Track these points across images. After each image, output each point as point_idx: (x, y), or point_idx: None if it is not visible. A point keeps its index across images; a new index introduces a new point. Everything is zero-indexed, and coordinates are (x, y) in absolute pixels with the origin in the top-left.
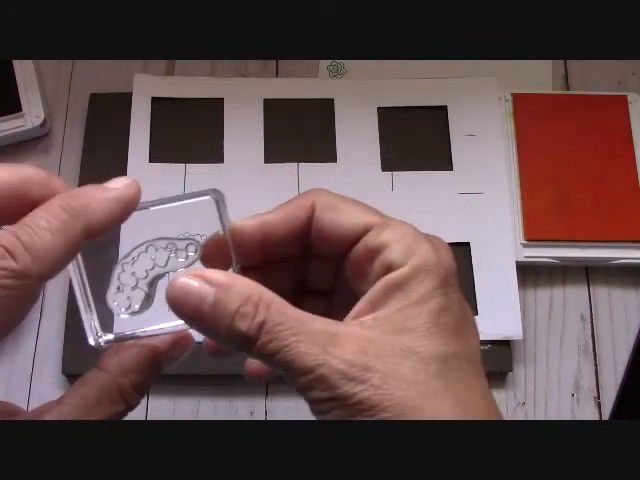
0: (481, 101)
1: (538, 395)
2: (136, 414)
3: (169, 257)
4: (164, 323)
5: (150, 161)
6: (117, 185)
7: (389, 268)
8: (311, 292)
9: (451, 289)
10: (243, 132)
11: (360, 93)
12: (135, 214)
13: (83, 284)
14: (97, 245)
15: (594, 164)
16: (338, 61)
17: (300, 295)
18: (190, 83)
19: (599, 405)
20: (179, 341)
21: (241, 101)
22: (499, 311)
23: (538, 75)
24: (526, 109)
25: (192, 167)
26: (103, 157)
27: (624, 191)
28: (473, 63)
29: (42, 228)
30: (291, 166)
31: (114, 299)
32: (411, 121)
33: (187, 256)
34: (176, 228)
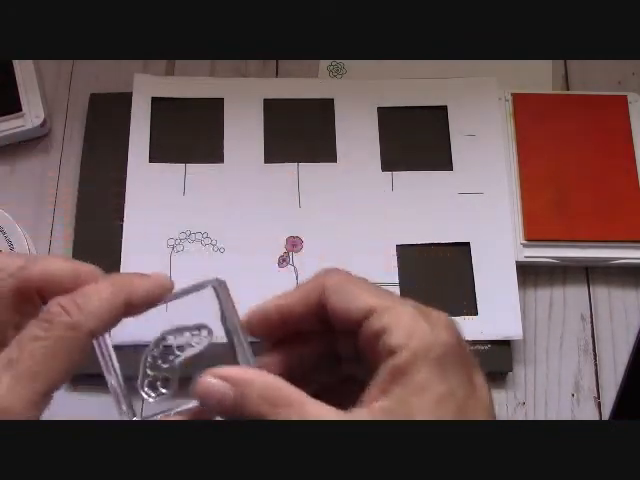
0: (481, 101)
1: (538, 395)
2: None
3: (187, 343)
4: (186, 405)
5: (150, 161)
6: (155, 274)
7: (391, 352)
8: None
9: (452, 369)
10: (243, 132)
11: (360, 93)
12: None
13: (117, 376)
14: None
15: (594, 164)
16: (338, 61)
17: (334, 361)
18: (190, 83)
19: (599, 405)
20: (199, 414)
21: (241, 101)
22: (499, 311)
23: (538, 75)
24: (526, 109)
25: (192, 167)
26: (103, 157)
27: (624, 191)
28: (473, 63)
29: (93, 295)
30: (291, 166)
31: (143, 387)
32: (411, 121)
33: (201, 340)
34: (189, 316)
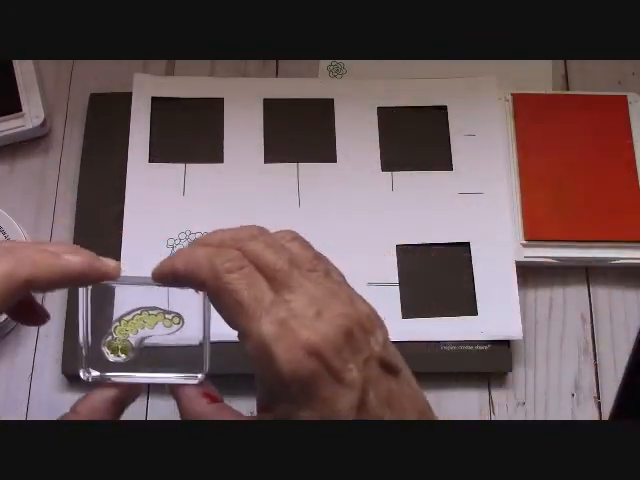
0: (481, 101)
1: (538, 395)
2: (136, 414)
3: (157, 323)
4: (138, 374)
5: (150, 161)
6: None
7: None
8: None
9: (302, 400)
10: (243, 132)
11: (360, 93)
12: (142, 287)
13: (87, 327)
14: (103, 300)
15: (594, 164)
16: (338, 61)
17: None
18: (190, 83)
19: (599, 405)
20: (133, 387)
21: (241, 101)
22: (499, 311)
23: (538, 75)
24: (526, 109)
25: (192, 167)
26: (103, 157)
27: (624, 191)
28: (473, 63)
29: None
30: (291, 166)
31: (107, 345)
32: (411, 121)
33: (172, 326)
34: (169, 302)
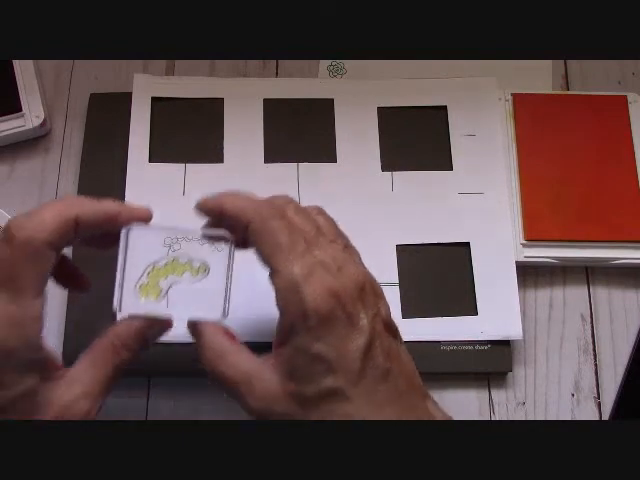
0: (481, 101)
1: (538, 395)
2: (136, 414)
3: (185, 271)
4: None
5: (150, 161)
6: (110, 202)
7: (281, 312)
8: None
9: (324, 334)
10: (243, 132)
11: (360, 93)
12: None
13: (123, 269)
14: (139, 246)
15: (594, 164)
16: (338, 61)
17: None
18: (190, 83)
19: (599, 405)
20: (157, 323)
21: (241, 101)
22: (499, 311)
23: (538, 75)
24: (526, 109)
25: (192, 167)
26: (103, 157)
27: (624, 191)
28: (473, 63)
29: (45, 211)
30: (291, 166)
31: (139, 287)
32: (411, 121)
33: (198, 274)
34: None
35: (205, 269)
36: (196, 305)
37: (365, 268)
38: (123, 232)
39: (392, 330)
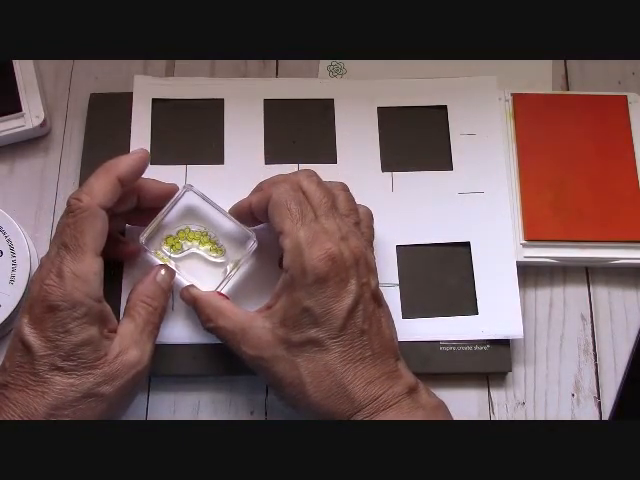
0: (481, 101)
1: (538, 395)
2: (136, 414)
3: (207, 245)
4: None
5: (151, 163)
6: (134, 151)
7: (285, 269)
8: None
9: (318, 292)
10: (243, 133)
11: (360, 93)
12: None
13: (163, 218)
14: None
15: (594, 164)
16: (338, 61)
17: None
18: (190, 84)
19: (599, 405)
20: (162, 267)
21: (241, 101)
22: (499, 311)
23: (538, 75)
24: (526, 109)
25: (193, 168)
26: (103, 157)
27: (624, 191)
28: (473, 63)
29: (93, 181)
30: (291, 167)
31: (166, 238)
32: (411, 121)
33: (216, 252)
34: (225, 238)
35: (223, 252)
36: (199, 273)
37: (369, 247)
38: (182, 188)
39: (377, 299)
